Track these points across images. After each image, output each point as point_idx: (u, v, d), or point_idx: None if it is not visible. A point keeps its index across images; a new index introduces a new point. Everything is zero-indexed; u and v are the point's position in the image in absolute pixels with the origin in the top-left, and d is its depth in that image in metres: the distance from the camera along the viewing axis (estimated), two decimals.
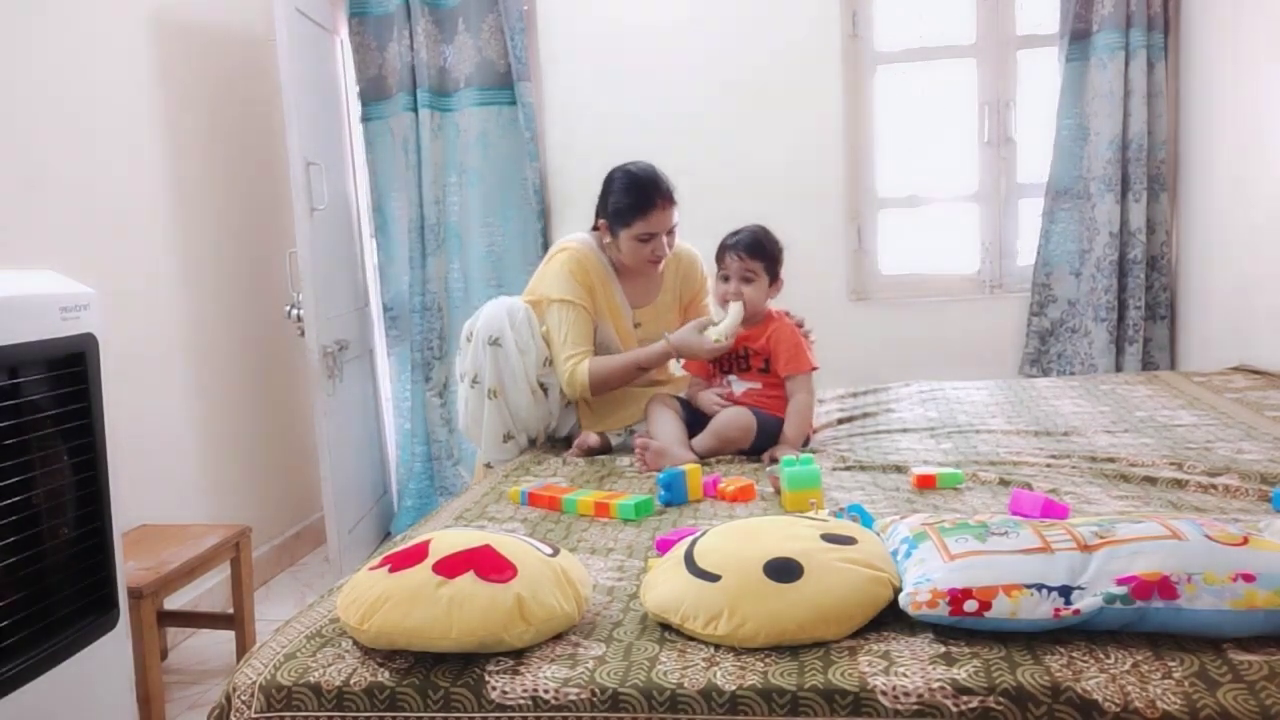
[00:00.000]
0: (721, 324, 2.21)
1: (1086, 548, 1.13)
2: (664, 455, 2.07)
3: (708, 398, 2.27)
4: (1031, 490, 1.69)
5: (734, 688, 1.06)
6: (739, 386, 2.27)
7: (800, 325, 2.33)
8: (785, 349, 2.24)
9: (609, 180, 2.39)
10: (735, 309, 2.22)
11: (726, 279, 2.27)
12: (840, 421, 2.52)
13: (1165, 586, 1.07)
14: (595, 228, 2.43)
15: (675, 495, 1.81)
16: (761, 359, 2.26)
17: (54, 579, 1.81)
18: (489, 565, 1.18)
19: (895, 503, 1.72)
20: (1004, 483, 1.80)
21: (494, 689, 1.10)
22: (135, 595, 2.10)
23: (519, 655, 1.14)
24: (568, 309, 2.33)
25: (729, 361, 2.29)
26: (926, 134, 3.58)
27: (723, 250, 2.28)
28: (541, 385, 2.37)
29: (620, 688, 1.07)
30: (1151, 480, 1.77)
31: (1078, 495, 1.69)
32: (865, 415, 2.55)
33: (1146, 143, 3.28)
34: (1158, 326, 3.40)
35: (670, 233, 2.36)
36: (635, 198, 2.31)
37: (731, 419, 2.18)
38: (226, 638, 2.63)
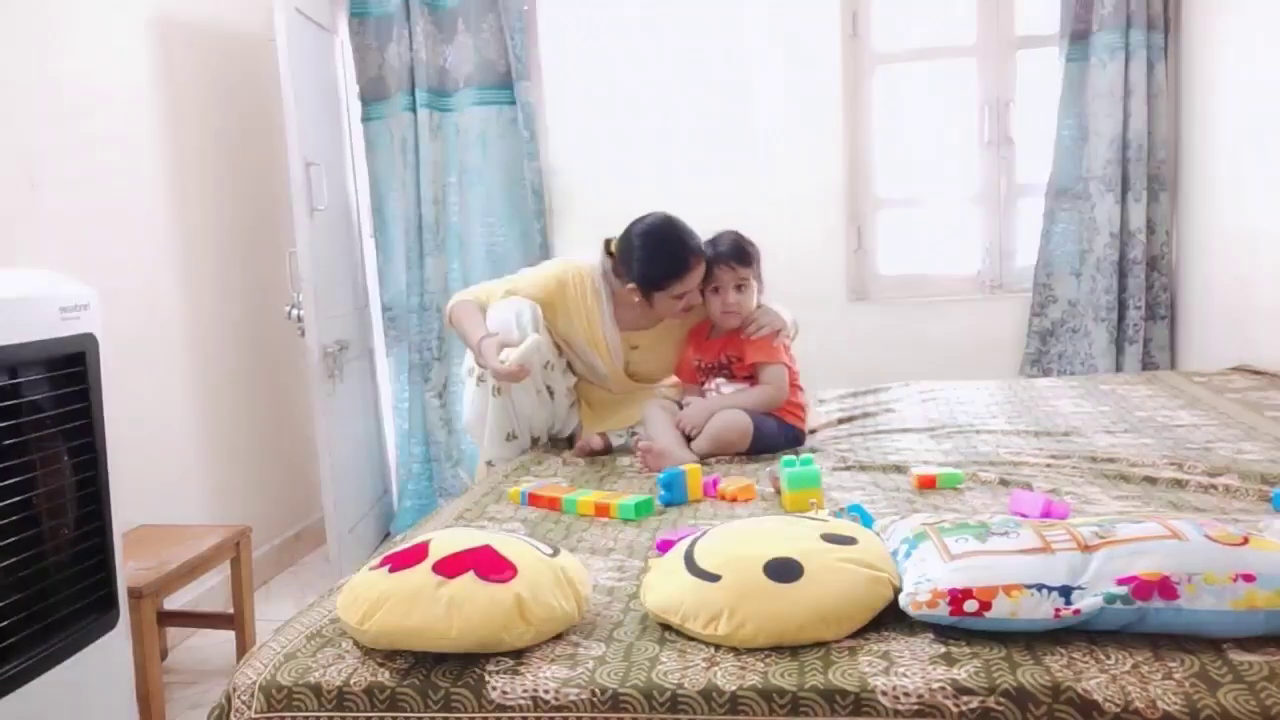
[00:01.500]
0: (516, 350, 2.17)
1: (1087, 548, 1.13)
2: (665, 456, 2.07)
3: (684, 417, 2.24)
4: (1032, 490, 1.70)
5: (734, 688, 1.06)
6: (727, 389, 2.27)
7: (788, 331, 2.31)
8: (754, 342, 2.23)
9: (629, 244, 2.27)
10: (531, 340, 2.18)
11: (716, 291, 2.25)
12: (840, 421, 2.52)
13: (1165, 587, 1.07)
14: (609, 253, 2.36)
15: (675, 495, 1.81)
16: (746, 365, 2.25)
17: (54, 579, 1.80)
18: (489, 565, 1.18)
19: (895, 503, 1.72)
20: (1004, 483, 1.80)
21: (494, 689, 1.10)
22: (135, 595, 2.10)
23: (519, 655, 1.14)
24: (517, 294, 2.36)
25: (717, 367, 2.29)
26: (926, 134, 3.58)
27: (710, 264, 2.25)
28: (548, 388, 2.36)
29: (620, 688, 1.07)
30: (1152, 480, 1.77)
31: (1078, 495, 1.69)
32: (865, 415, 2.55)
33: (1146, 143, 3.27)
34: (1158, 326, 3.40)
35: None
36: (668, 265, 2.21)
37: (728, 422, 2.17)
38: (226, 638, 2.63)
